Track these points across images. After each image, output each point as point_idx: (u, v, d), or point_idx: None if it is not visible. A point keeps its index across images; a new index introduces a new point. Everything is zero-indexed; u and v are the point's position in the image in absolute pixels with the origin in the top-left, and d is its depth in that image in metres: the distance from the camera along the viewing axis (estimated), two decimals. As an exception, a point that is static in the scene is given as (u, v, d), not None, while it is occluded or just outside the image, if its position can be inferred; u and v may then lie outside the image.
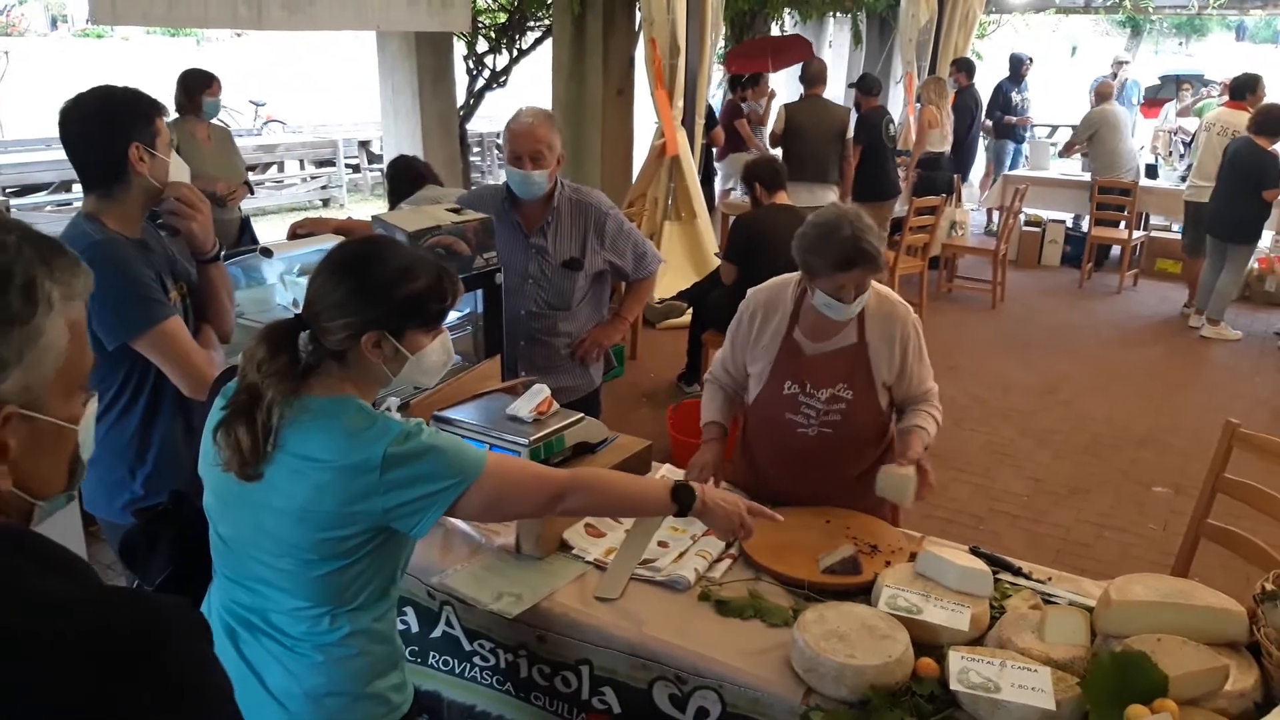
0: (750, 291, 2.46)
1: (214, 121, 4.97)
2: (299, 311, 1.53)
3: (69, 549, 0.81)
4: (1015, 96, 9.67)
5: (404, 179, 3.70)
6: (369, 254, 1.52)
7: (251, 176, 11.19)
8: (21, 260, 0.76)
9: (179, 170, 2.06)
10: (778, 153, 6.50)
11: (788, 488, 2.30)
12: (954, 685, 1.56)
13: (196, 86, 4.70)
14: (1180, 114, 10.49)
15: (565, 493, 1.60)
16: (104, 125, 1.94)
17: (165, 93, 4.33)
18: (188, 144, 4.56)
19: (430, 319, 1.56)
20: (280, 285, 2.88)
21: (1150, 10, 12.47)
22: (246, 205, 9.79)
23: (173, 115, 4.36)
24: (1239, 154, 6.26)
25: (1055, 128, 12.15)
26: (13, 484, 0.78)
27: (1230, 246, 6.43)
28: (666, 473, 2.44)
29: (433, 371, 1.62)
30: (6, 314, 0.74)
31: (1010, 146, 9.84)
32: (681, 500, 1.69)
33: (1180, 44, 27.98)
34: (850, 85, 7.44)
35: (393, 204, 3.70)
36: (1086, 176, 8.35)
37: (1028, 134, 10.21)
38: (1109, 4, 11.96)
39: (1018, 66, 9.72)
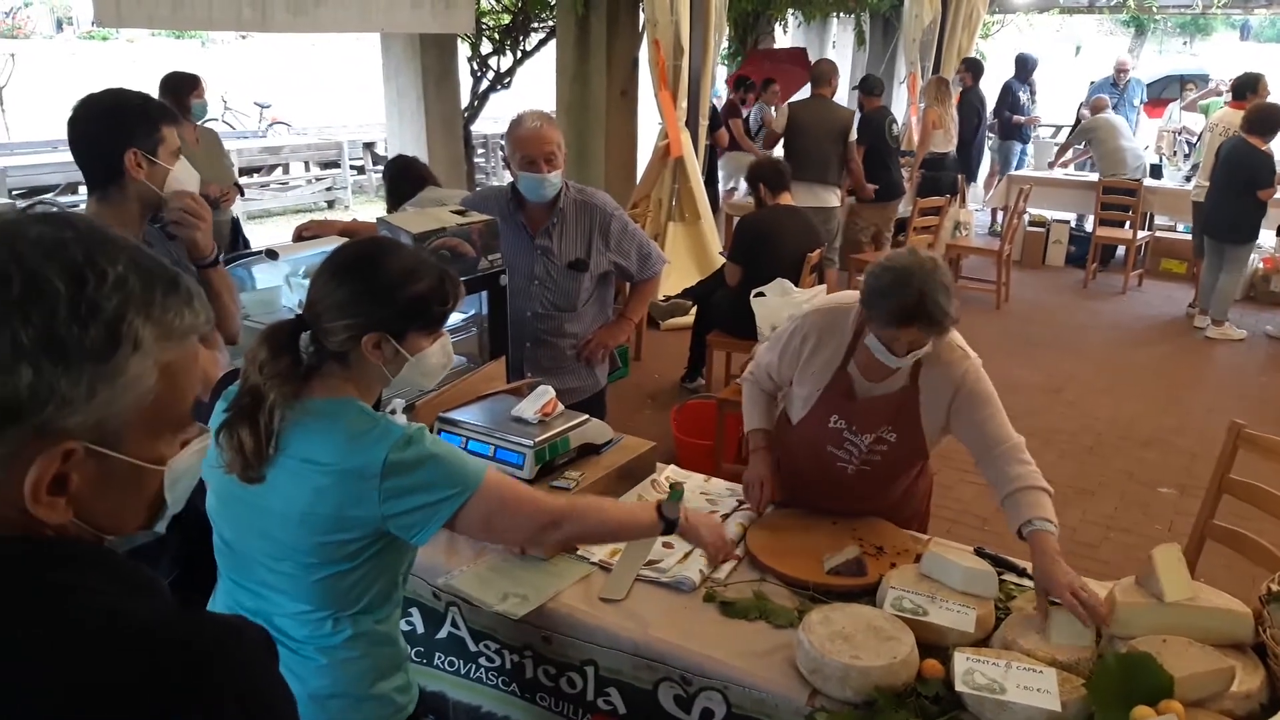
0: (807, 312, 2.31)
1: (202, 124, 4.96)
2: (300, 312, 1.53)
3: (143, 567, 0.80)
4: (1022, 97, 9.66)
5: (404, 179, 3.70)
6: (371, 255, 1.53)
7: (256, 178, 11.30)
8: (119, 295, 0.72)
9: (188, 178, 2.07)
10: (778, 152, 6.50)
11: (820, 503, 2.27)
12: (959, 686, 1.56)
13: (183, 89, 4.67)
14: (1186, 108, 10.47)
15: (561, 520, 1.60)
16: (105, 128, 1.97)
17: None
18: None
19: (431, 321, 1.57)
20: (286, 287, 2.89)
21: (1154, 10, 12.44)
22: (250, 206, 9.79)
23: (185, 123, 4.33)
24: (1233, 153, 6.26)
25: (1059, 128, 12.15)
26: (74, 516, 0.75)
27: (1227, 247, 6.43)
28: (671, 473, 2.44)
29: (432, 374, 1.63)
30: (79, 350, 0.70)
31: (1017, 147, 9.81)
32: (667, 521, 1.72)
33: (1185, 43, 27.91)
34: (854, 88, 7.44)
35: (392, 205, 3.70)
36: (1092, 176, 8.34)
37: (1033, 134, 10.19)
38: (1113, 4, 11.95)
39: (1030, 67, 9.71)
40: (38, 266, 0.69)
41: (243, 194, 5.50)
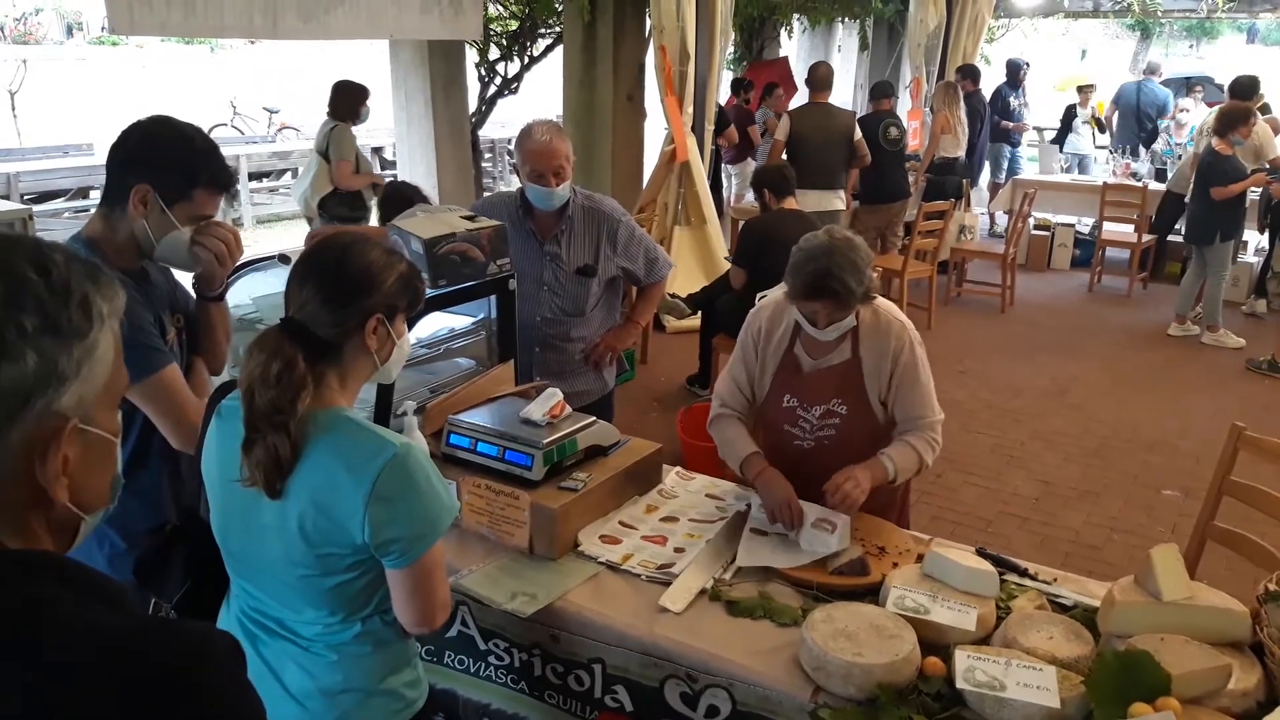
0: (756, 307, 2.46)
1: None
2: (289, 317, 1.53)
3: (111, 577, 0.81)
4: (1013, 102, 9.70)
5: (394, 206, 3.73)
6: (347, 245, 1.57)
7: (266, 183, 11.39)
8: (76, 276, 0.77)
9: (176, 251, 1.90)
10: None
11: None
12: (960, 684, 1.58)
13: (358, 97, 5.53)
14: (1208, 104, 10.45)
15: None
16: (139, 150, 1.84)
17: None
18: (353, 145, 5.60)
19: (416, 299, 1.64)
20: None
21: (1159, 13, 12.43)
22: (259, 210, 9.91)
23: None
24: (1200, 158, 6.47)
25: (1058, 130, 12.15)
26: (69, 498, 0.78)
27: (1205, 249, 6.48)
28: (676, 476, 2.48)
29: (401, 362, 1.68)
30: (69, 329, 0.76)
31: (1006, 150, 9.88)
32: None
33: (1190, 47, 27.84)
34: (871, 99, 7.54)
35: None
36: (1097, 181, 8.32)
37: (1035, 138, 10.21)
38: (1118, 7, 11.94)
39: (1015, 72, 9.77)
40: (6, 260, 0.74)
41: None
